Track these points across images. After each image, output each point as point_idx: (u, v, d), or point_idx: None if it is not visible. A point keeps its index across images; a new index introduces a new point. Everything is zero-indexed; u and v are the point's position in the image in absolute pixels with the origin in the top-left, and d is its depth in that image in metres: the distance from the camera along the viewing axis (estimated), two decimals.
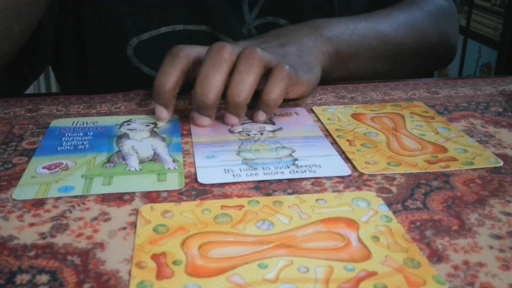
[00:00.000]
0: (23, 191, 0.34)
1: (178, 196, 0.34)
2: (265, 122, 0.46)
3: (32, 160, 0.38)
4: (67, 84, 0.69)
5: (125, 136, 0.43)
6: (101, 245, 0.29)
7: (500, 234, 0.30)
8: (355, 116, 0.48)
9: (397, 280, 0.26)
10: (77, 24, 0.62)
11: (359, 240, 0.29)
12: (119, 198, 0.34)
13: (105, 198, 0.34)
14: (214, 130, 0.44)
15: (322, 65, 0.54)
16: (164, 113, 0.45)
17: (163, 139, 0.42)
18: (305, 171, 0.37)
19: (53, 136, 0.43)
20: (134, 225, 0.31)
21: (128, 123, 0.45)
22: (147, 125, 0.45)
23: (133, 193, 0.34)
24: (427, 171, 0.38)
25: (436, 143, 0.42)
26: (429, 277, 0.27)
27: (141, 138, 0.42)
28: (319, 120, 0.47)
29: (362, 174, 0.37)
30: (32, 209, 0.32)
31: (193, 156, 0.39)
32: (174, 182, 0.36)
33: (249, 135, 0.43)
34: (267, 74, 0.45)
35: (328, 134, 0.44)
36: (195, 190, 0.35)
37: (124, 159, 0.39)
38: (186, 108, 0.49)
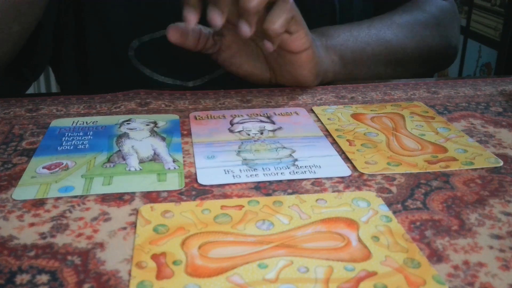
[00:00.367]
0: (23, 191, 0.34)
1: (178, 196, 0.34)
2: (265, 122, 0.46)
3: (32, 160, 0.38)
4: (67, 85, 0.69)
5: (125, 135, 0.43)
6: (101, 245, 0.29)
7: (500, 234, 0.30)
8: (355, 116, 0.48)
9: (397, 280, 0.26)
10: (77, 25, 0.62)
11: (359, 240, 0.29)
12: (119, 198, 0.34)
13: (105, 198, 0.34)
14: (214, 130, 0.44)
15: (326, 67, 0.54)
16: (191, 15, 0.44)
17: (163, 139, 0.42)
18: (305, 172, 0.37)
19: (53, 136, 0.43)
20: (134, 225, 0.31)
21: (128, 122, 0.45)
22: (147, 125, 0.45)
23: (133, 193, 0.34)
24: (427, 171, 0.38)
25: (436, 143, 0.42)
26: (429, 277, 0.27)
27: (141, 137, 0.42)
28: (319, 120, 0.47)
29: (362, 174, 0.37)
30: (32, 209, 0.32)
31: (193, 156, 0.39)
32: (174, 182, 0.36)
33: (249, 134, 0.43)
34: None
35: (328, 134, 0.44)
36: (195, 190, 0.35)
37: (124, 159, 0.39)
38: (186, 108, 0.49)
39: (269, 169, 0.37)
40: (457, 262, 0.28)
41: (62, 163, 0.38)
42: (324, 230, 0.30)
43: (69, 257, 0.28)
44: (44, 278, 0.26)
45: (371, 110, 0.49)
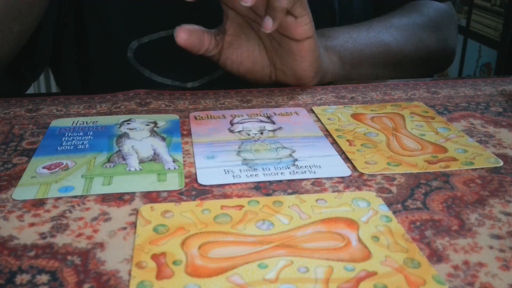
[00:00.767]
0: (23, 191, 0.34)
1: (178, 196, 0.34)
2: (265, 122, 0.46)
3: (32, 160, 0.38)
4: (67, 85, 0.69)
5: (125, 135, 0.43)
6: (101, 245, 0.29)
7: (500, 234, 0.30)
8: (355, 116, 0.48)
9: (397, 280, 0.26)
10: (78, 25, 0.62)
11: (359, 240, 0.29)
12: (119, 198, 0.34)
13: (105, 198, 0.34)
14: (214, 130, 0.44)
15: (325, 67, 0.54)
16: None
17: (163, 139, 0.42)
18: (305, 172, 0.37)
19: (53, 136, 0.43)
20: (134, 225, 0.31)
21: (128, 122, 0.45)
22: (147, 125, 0.45)
23: (133, 193, 0.34)
24: (427, 171, 0.38)
25: (436, 143, 0.42)
26: (429, 277, 0.27)
27: (141, 137, 0.42)
28: (319, 120, 0.47)
29: (362, 174, 0.37)
30: (32, 209, 0.32)
31: (193, 156, 0.39)
32: (174, 182, 0.36)
33: (249, 134, 0.43)
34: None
35: (328, 134, 0.44)
36: (195, 190, 0.35)
37: (124, 159, 0.39)
38: (186, 108, 0.49)
39: (269, 169, 0.37)
40: (457, 262, 0.28)
41: (62, 163, 0.38)
42: (324, 230, 0.30)
43: (69, 257, 0.28)
44: (44, 278, 0.26)
45: (371, 110, 0.49)
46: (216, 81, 0.62)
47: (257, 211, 0.32)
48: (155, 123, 0.45)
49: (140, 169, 0.37)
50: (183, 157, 0.39)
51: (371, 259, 0.28)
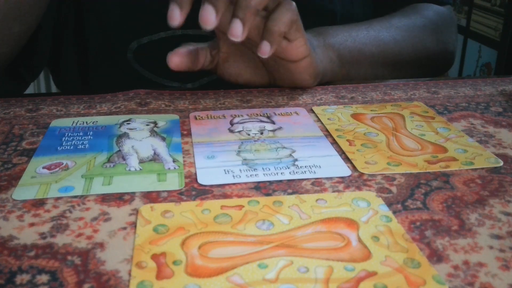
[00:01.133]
0: (23, 191, 0.34)
1: (178, 196, 0.34)
2: (265, 122, 0.46)
3: (32, 160, 0.38)
4: (66, 85, 0.69)
5: (125, 135, 0.43)
6: (101, 245, 0.29)
7: (500, 234, 0.31)
8: (355, 116, 0.48)
9: (397, 280, 0.26)
10: (78, 25, 0.62)
11: (359, 240, 0.29)
12: (119, 198, 0.34)
13: (105, 198, 0.34)
14: (214, 130, 0.44)
15: (324, 66, 0.54)
16: (176, 13, 0.42)
17: (163, 139, 0.42)
18: (305, 172, 0.37)
19: (53, 136, 0.43)
20: (134, 225, 0.31)
21: (128, 122, 0.45)
22: (147, 125, 0.45)
23: (133, 193, 0.34)
24: (427, 171, 0.38)
25: (436, 143, 0.42)
26: (429, 277, 0.27)
27: (141, 137, 0.42)
28: (319, 120, 0.47)
29: (362, 174, 0.37)
30: (32, 209, 0.32)
31: (193, 156, 0.39)
32: (174, 182, 0.36)
33: (249, 134, 0.43)
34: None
35: (328, 134, 0.44)
36: (195, 190, 0.35)
37: (124, 159, 0.39)
38: (186, 108, 0.49)
39: (269, 169, 0.37)
40: (457, 262, 0.28)
41: (62, 163, 0.38)
42: (324, 230, 0.30)
43: (69, 257, 0.28)
44: (44, 278, 0.26)
45: (371, 110, 0.49)
46: (215, 82, 0.62)
47: (257, 211, 0.32)
48: (155, 123, 0.45)
49: (140, 169, 0.37)
50: (183, 157, 0.39)
51: (371, 259, 0.28)
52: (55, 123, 0.45)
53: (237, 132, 0.44)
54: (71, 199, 0.33)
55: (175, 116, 0.47)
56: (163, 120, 0.46)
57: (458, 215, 0.32)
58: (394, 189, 0.35)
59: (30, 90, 0.82)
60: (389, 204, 0.33)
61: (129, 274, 0.27)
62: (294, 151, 0.40)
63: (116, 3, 0.60)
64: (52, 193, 0.34)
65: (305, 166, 0.38)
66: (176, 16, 0.42)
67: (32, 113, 0.47)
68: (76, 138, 0.42)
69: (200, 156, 0.39)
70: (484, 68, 1.84)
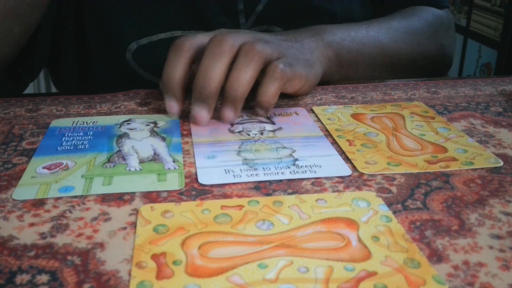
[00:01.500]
0: (23, 191, 0.34)
1: (178, 196, 0.34)
2: (265, 122, 0.46)
3: (32, 160, 0.38)
4: (66, 85, 0.69)
5: (125, 135, 0.43)
6: (101, 245, 0.29)
7: (500, 234, 0.30)
8: (355, 116, 0.48)
9: (397, 280, 0.26)
10: (78, 26, 0.62)
11: (359, 240, 0.29)
12: (119, 198, 0.34)
13: (105, 198, 0.34)
14: (214, 130, 0.44)
15: (323, 66, 0.54)
16: (175, 107, 0.46)
17: (163, 139, 0.42)
18: (305, 171, 0.37)
19: (53, 136, 0.43)
20: (134, 225, 0.31)
21: (128, 122, 0.45)
22: (147, 125, 0.45)
23: (133, 193, 0.34)
24: (427, 171, 0.38)
25: (436, 143, 0.42)
26: (429, 277, 0.27)
27: (141, 137, 0.42)
28: (319, 120, 0.47)
29: (362, 174, 0.37)
30: (32, 209, 0.32)
31: (193, 156, 0.39)
32: (174, 182, 0.36)
33: (249, 135, 0.43)
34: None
35: (328, 134, 0.44)
36: (195, 190, 0.35)
37: (124, 159, 0.39)
38: (186, 108, 0.49)
39: (270, 169, 0.37)
40: (457, 262, 0.28)
41: (62, 163, 0.38)
42: (324, 230, 0.30)
43: (69, 257, 0.28)
44: (44, 278, 0.26)
45: (371, 110, 0.49)
46: None
47: (257, 211, 0.32)
48: (155, 123, 0.45)
49: (140, 169, 0.37)
50: (183, 157, 0.39)
51: (371, 259, 0.28)
52: (55, 123, 0.45)
53: (237, 132, 0.44)
54: (71, 199, 0.33)
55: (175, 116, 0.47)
56: (163, 120, 0.46)
57: (458, 215, 0.32)
58: (394, 189, 0.35)
59: (30, 90, 0.82)
60: (389, 204, 0.33)
61: (129, 274, 0.27)
62: (294, 151, 0.40)
63: (116, 3, 0.60)
64: (52, 193, 0.34)
65: (306, 166, 0.38)
66: (175, 110, 0.46)
67: (32, 113, 0.47)
68: (76, 138, 0.42)
69: (200, 156, 0.39)
70: (484, 68, 1.84)
